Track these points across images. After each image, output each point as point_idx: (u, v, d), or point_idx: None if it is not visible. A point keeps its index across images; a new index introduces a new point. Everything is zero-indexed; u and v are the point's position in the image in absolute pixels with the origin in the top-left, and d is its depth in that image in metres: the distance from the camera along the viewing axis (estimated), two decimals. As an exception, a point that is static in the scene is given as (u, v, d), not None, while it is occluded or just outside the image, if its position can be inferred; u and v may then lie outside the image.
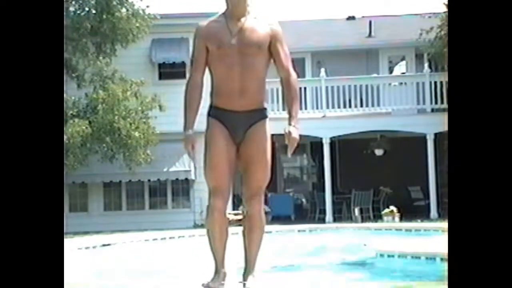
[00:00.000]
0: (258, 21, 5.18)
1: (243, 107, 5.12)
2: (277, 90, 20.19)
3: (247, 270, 5.29)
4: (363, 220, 20.10)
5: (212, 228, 5.19)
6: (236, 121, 5.14)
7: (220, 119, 5.15)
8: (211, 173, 5.16)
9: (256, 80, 5.13)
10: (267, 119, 5.27)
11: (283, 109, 20.75)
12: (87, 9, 18.60)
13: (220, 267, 5.25)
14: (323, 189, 20.94)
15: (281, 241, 14.49)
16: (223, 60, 5.10)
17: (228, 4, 5.17)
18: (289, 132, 5.09)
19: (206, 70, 5.24)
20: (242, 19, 5.15)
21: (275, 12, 44.53)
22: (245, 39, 5.09)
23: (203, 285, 5.20)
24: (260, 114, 5.20)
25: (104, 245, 14.41)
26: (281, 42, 5.24)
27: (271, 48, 5.19)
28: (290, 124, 5.13)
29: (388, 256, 10.40)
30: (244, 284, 5.23)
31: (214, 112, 5.20)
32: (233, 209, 16.62)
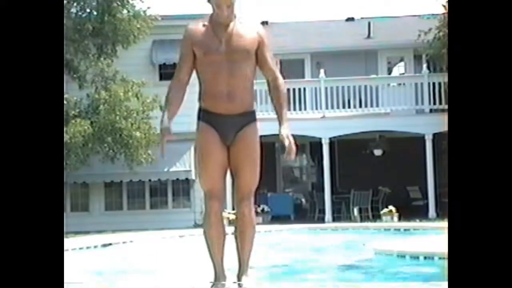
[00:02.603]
0: (244, 26, 5.18)
1: (232, 111, 5.13)
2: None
3: (241, 270, 5.33)
4: (362, 219, 20.17)
5: (209, 231, 5.24)
6: (225, 124, 5.14)
7: (210, 122, 5.16)
8: (204, 177, 5.20)
9: (243, 85, 5.14)
10: (256, 122, 5.29)
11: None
12: (88, 10, 18.65)
13: (219, 270, 5.30)
14: (322, 189, 20.97)
15: (280, 240, 14.53)
16: (210, 66, 5.10)
17: (214, 10, 5.16)
18: (287, 136, 5.11)
19: (192, 73, 5.24)
20: (230, 25, 5.15)
21: (275, 14, 44.65)
22: (232, 46, 5.09)
23: None
24: (249, 117, 5.22)
25: (105, 244, 14.44)
26: (267, 46, 5.24)
27: (258, 53, 5.19)
28: (283, 127, 5.15)
29: (387, 255, 10.40)
30: (240, 285, 5.28)
31: (203, 115, 5.21)
32: (233, 209, 16.66)
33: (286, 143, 5.11)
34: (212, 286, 5.26)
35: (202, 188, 5.27)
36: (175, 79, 5.24)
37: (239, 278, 5.32)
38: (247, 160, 5.19)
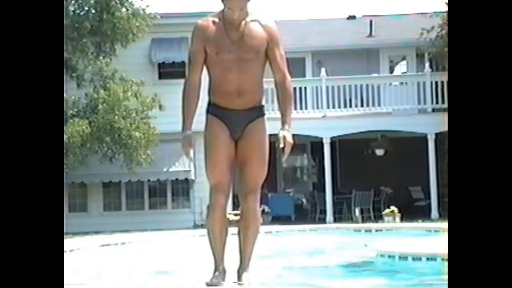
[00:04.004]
0: (256, 25, 5.24)
1: (241, 106, 5.21)
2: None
3: (242, 267, 5.35)
4: (363, 220, 20.12)
5: (213, 225, 5.27)
6: (234, 118, 5.22)
7: (219, 116, 5.24)
8: (212, 170, 5.25)
9: (253, 81, 5.22)
10: (265, 117, 5.38)
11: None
12: (86, 8, 18.69)
13: (220, 263, 5.32)
14: (323, 189, 20.96)
15: (281, 241, 14.50)
16: (221, 64, 5.18)
17: (226, 8, 5.19)
18: (284, 137, 5.20)
19: (203, 69, 5.31)
20: (242, 23, 5.20)
21: (276, 12, 44.59)
22: (243, 46, 5.17)
23: (206, 283, 5.26)
24: (258, 112, 5.30)
25: (103, 245, 14.41)
26: (278, 44, 5.31)
27: (267, 51, 5.27)
28: (283, 129, 5.25)
29: (389, 256, 10.40)
30: (240, 280, 5.29)
31: (212, 109, 5.29)
32: (233, 209, 16.61)
33: (281, 145, 5.20)
34: (212, 277, 5.28)
35: (209, 181, 5.31)
36: (189, 81, 5.28)
37: (239, 275, 5.33)
38: (254, 153, 5.25)
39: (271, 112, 19.10)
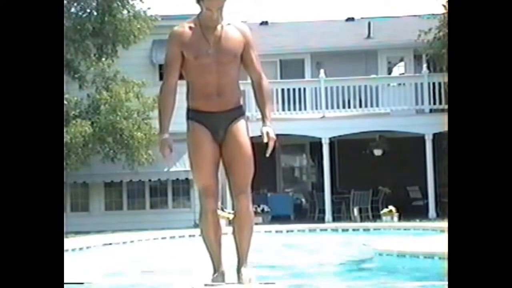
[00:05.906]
0: (232, 28, 5.27)
1: (221, 107, 5.23)
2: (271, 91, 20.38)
3: (240, 264, 5.39)
4: (362, 219, 20.23)
5: (207, 229, 5.31)
6: (215, 121, 5.24)
7: (200, 120, 5.25)
8: (199, 175, 5.28)
9: (231, 84, 5.26)
10: (245, 116, 5.40)
11: (283, 109, 20.97)
12: (88, 11, 18.72)
13: (218, 265, 5.38)
14: (322, 189, 21.02)
15: (281, 240, 14.61)
16: (200, 68, 5.20)
17: (203, 12, 5.22)
18: (267, 133, 5.23)
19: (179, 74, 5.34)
20: (218, 27, 5.22)
21: (276, 14, 44.64)
22: (221, 49, 5.19)
23: (205, 285, 5.32)
24: (237, 112, 5.32)
25: (105, 244, 14.50)
26: (253, 47, 5.36)
27: (244, 54, 5.30)
28: (265, 125, 5.27)
29: (387, 255, 10.48)
30: (239, 276, 5.34)
31: (193, 114, 5.30)
32: (233, 209, 16.70)
33: (265, 140, 5.23)
34: (212, 279, 5.33)
35: (197, 186, 5.35)
36: (166, 85, 5.28)
37: (238, 271, 5.37)
38: (240, 153, 5.25)
39: (276, 113, 19.30)
